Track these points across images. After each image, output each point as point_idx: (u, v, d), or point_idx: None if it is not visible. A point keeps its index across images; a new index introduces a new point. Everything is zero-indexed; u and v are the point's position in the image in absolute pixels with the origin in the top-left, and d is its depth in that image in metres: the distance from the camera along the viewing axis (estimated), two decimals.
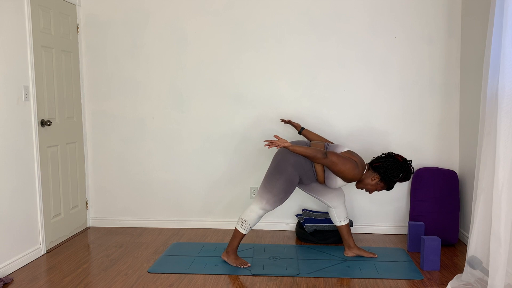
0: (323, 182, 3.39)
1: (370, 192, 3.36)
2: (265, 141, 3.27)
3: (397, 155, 3.30)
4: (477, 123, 3.68)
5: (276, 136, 3.24)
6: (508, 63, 2.66)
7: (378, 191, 3.34)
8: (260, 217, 3.38)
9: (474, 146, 3.74)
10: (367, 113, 4.16)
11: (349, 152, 3.32)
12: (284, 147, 3.18)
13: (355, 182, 3.36)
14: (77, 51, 4.26)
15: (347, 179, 3.25)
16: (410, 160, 3.30)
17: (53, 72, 3.87)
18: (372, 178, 3.29)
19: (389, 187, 3.32)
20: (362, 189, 3.37)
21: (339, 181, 3.30)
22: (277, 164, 3.35)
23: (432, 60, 4.08)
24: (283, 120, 3.83)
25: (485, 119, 2.88)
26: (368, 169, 3.32)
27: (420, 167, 4.16)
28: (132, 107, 4.35)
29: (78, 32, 4.27)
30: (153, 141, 4.37)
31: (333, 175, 3.28)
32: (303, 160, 3.33)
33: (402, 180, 3.29)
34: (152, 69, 4.31)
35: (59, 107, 3.96)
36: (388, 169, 3.24)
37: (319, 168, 3.34)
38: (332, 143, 3.49)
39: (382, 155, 3.32)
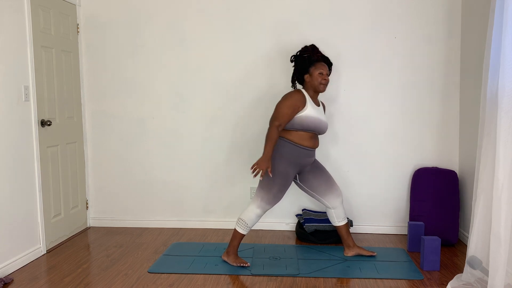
0: (311, 138, 3.36)
1: (325, 84, 3.37)
2: (254, 176, 3.24)
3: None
4: (477, 123, 3.68)
5: (252, 167, 3.19)
6: (508, 63, 2.66)
7: (325, 80, 3.35)
8: (259, 216, 3.37)
9: (474, 146, 3.74)
10: (367, 113, 4.16)
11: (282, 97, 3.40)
12: (266, 167, 3.17)
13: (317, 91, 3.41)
14: (77, 51, 4.26)
15: (299, 101, 3.28)
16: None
17: (53, 72, 3.87)
18: (306, 79, 3.40)
19: (311, 66, 3.36)
20: (320, 87, 3.36)
21: (307, 113, 3.30)
22: None
23: (432, 60, 4.08)
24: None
25: (485, 119, 2.88)
26: (297, 84, 3.49)
27: (420, 167, 4.16)
28: (132, 107, 4.35)
29: (78, 32, 4.27)
30: (153, 141, 4.37)
31: (297, 118, 3.29)
32: (282, 147, 3.32)
33: (311, 52, 3.38)
34: (152, 69, 4.30)
35: (59, 107, 3.96)
36: (296, 63, 3.42)
37: (292, 136, 3.34)
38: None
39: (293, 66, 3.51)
